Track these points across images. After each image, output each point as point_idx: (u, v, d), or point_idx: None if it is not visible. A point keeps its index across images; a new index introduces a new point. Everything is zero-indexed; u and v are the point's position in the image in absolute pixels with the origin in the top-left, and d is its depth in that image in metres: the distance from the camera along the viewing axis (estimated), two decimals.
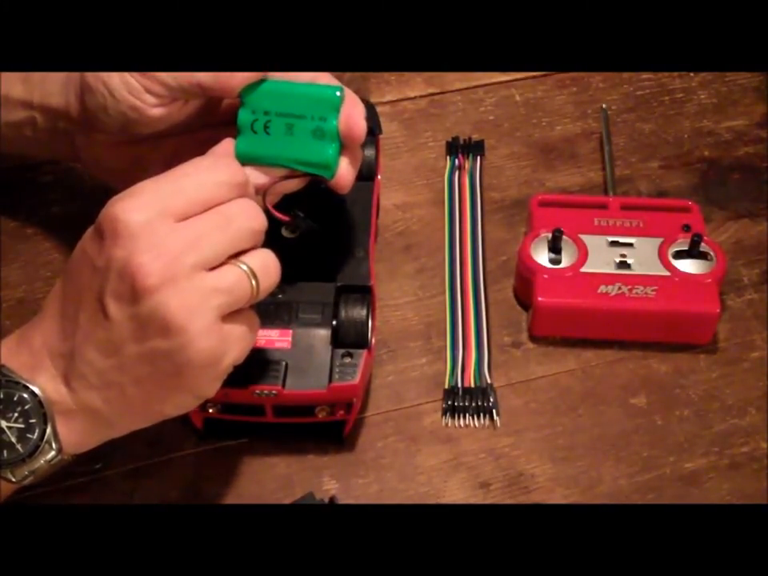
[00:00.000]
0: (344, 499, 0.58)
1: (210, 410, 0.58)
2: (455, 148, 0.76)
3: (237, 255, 0.48)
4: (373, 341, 0.58)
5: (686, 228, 0.67)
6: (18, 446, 0.47)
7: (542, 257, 0.66)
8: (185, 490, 0.59)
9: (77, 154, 0.60)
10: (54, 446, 0.47)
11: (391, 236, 0.71)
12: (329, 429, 0.60)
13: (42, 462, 0.47)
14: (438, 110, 0.79)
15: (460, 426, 0.62)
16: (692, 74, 0.82)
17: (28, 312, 0.66)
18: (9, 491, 0.48)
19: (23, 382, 0.47)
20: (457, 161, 0.75)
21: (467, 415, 0.62)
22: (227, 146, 0.52)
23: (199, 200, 0.47)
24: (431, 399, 0.63)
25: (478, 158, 0.76)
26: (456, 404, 0.62)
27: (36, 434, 0.47)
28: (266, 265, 0.48)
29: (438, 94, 0.80)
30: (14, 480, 0.47)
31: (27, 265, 0.69)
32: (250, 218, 0.48)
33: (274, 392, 0.56)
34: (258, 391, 0.56)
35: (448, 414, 0.62)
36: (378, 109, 0.70)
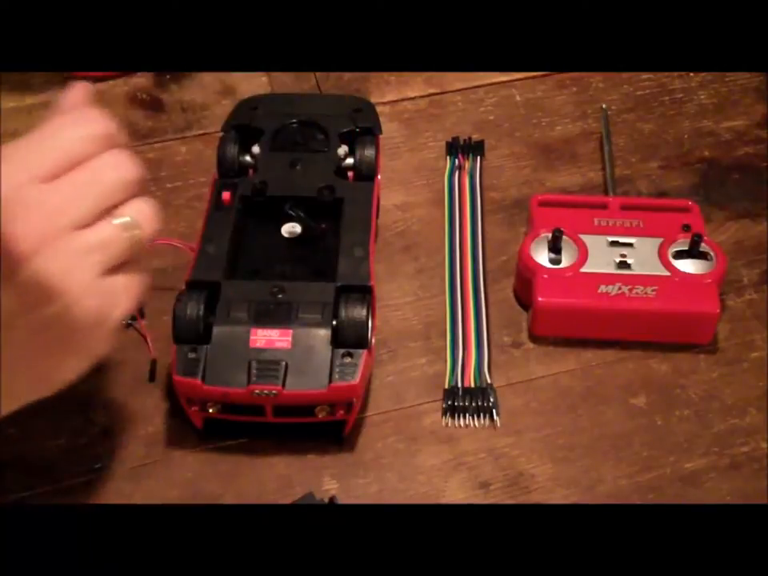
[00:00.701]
0: (344, 499, 0.58)
1: (210, 410, 0.58)
2: (455, 148, 0.76)
3: (114, 208, 0.47)
4: (373, 341, 0.58)
5: (686, 228, 0.67)
6: None
7: (542, 257, 0.66)
8: (185, 490, 0.59)
9: None
10: None
11: (391, 236, 0.71)
12: (329, 429, 0.60)
13: None
14: (438, 110, 0.79)
15: (460, 425, 0.62)
16: (692, 74, 0.82)
17: None
18: None
19: None
20: (457, 161, 0.75)
21: (467, 415, 0.62)
22: (81, 90, 0.50)
23: (66, 159, 0.46)
24: (431, 399, 0.63)
25: (478, 158, 0.76)
26: (456, 404, 0.62)
27: None
28: (142, 213, 0.48)
29: (438, 93, 0.80)
30: None
31: None
32: (120, 169, 0.47)
33: (274, 392, 0.56)
34: (257, 391, 0.56)
35: (448, 414, 0.62)
36: (378, 109, 0.70)
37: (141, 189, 0.48)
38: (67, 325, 0.45)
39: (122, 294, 0.47)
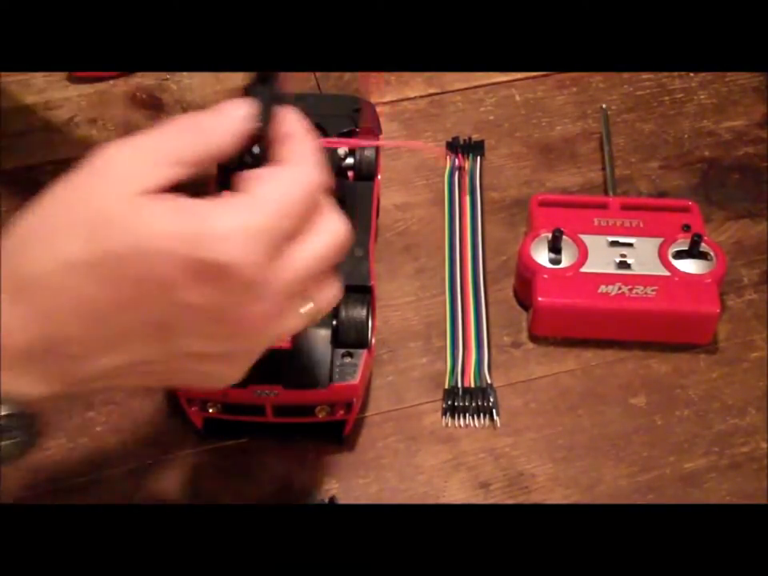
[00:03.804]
0: (344, 499, 0.58)
1: (210, 410, 0.58)
2: (455, 148, 0.76)
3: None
4: (373, 341, 0.58)
5: (686, 228, 0.67)
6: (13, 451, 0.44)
7: (542, 257, 0.66)
8: (185, 489, 0.59)
9: None
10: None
11: (391, 236, 0.71)
12: (329, 429, 0.60)
13: None
14: (438, 110, 0.79)
15: (460, 425, 0.62)
16: (692, 74, 0.82)
17: None
18: None
19: (14, 412, 0.43)
20: (457, 161, 0.75)
21: (467, 415, 0.62)
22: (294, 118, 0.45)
23: (300, 226, 0.43)
24: (431, 399, 0.63)
25: (478, 158, 0.76)
26: (456, 404, 0.62)
27: (23, 430, 0.44)
28: (332, 301, 0.46)
29: (437, 93, 0.81)
30: None
31: None
32: (341, 250, 0.45)
33: (274, 392, 0.56)
34: (258, 391, 0.56)
35: (448, 414, 0.62)
36: (378, 109, 0.70)
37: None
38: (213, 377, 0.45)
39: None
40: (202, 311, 0.41)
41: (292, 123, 0.45)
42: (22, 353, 0.41)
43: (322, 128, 0.67)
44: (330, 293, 0.45)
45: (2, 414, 0.42)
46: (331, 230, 0.44)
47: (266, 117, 0.44)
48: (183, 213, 0.41)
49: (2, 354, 0.41)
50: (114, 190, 0.41)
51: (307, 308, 0.44)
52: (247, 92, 0.45)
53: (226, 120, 0.44)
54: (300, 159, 0.44)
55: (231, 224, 0.41)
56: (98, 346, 0.42)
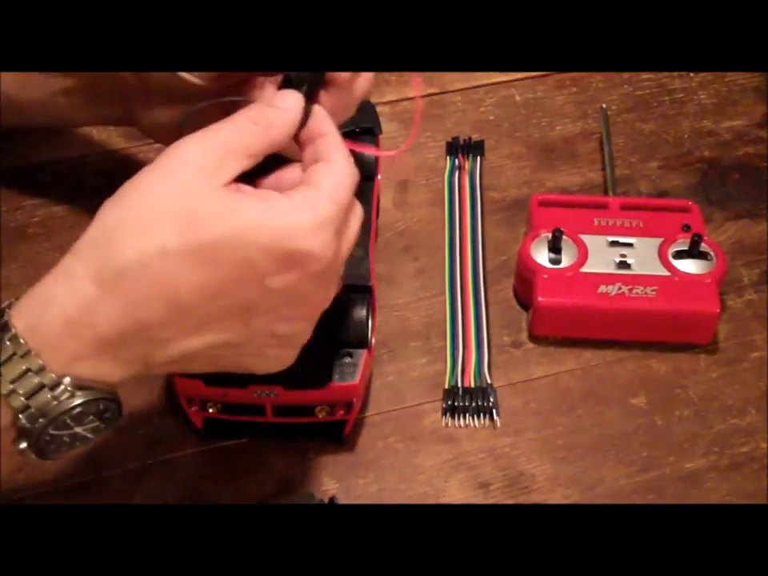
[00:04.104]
0: (344, 499, 0.58)
1: (210, 410, 0.58)
2: (455, 148, 0.76)
3: None
4: (373, 341, 0.58)
5: (686, 228, 0.67)
6: (93, 436, 0.46)
7: (542, 257, 0.66)
8: (185, 490, 0.59)
9: (131, 116, 0.60)
10: (122, 411, 0.47)
11: (391, 236, 0.71)
12: (329, 429, 0.60)
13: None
14: (438, 110, 0.79)
15: (460, 425, 0.62)
16: (692, 74, 0.82)
17: None
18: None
19: (100, 396, 0.45)
20: (457, 161, 0.75)
21: (467, 415, 0.62)
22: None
23: (348, 215, 0.49)
24: (431, 399, 0.63)
25: (478, 158, 0.76)
26: (456, 404, 0.62)
27: (111, 424, 0.47)
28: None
29: (437, 93, 0.80)
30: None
31: (27, 265, 0.69)
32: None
33: (274, 392, 0.56)
34: (258, 391, 0.56)
35: (448, 414, 0.62)
36: (378, 109, 0.70)
37: None
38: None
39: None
40: (283, 295, 0.46)
41: (325, 120, 0.49)
42: (109, 341, 0.44)
43: None
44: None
45: (78, 402, 0.44)
46: (360, 214, 0.50)
47: (305, 113, 0.48)
48: (270, 208, 0.45)
49: (90, 342, 0.44)
50: (199, 183, 0.44)
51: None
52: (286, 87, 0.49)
53: (288, 114, 0.48)
54: (341, 155, 0.48)
55: (311, 218, 0.45)
56: (184, 331, 0.45)
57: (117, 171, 0.74)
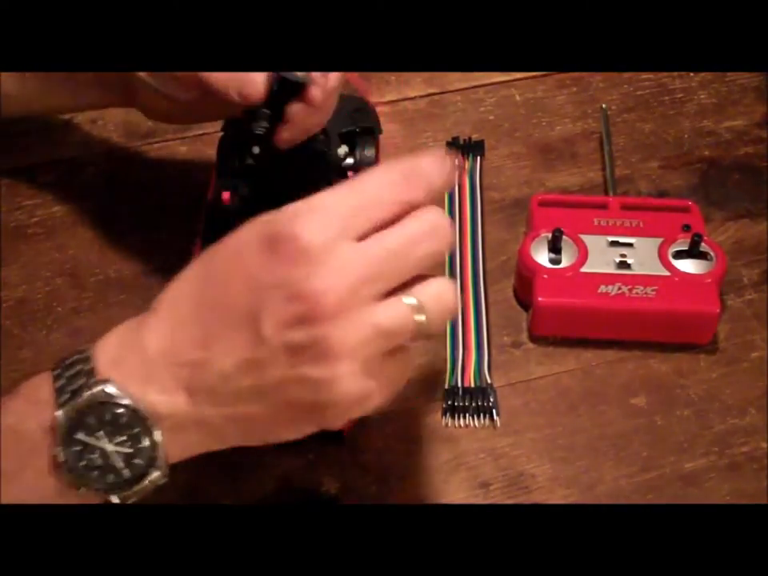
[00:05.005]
0: (344, 499, 0.58)
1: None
2: (455, 148, 0.76)
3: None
4: None
5: (686, 228, 0.67)
6: (125, 471, 0.44)
7: (542, 257, 0.66)
8: (185, 489, 0.59)
9: (131, 99, 0.60)
10: (162, 470, 0.44)
11: None
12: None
13: (146, 484, 0.44)
14: (438, 110, 0.79)
15: (460, 425, 0.62)
16: (692, 74, 0.82)
17: (28, 312, 0.66)
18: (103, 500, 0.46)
19: (133, 405, 0.43)
20: (457, 161, 0.75)
21: (467, 415, 0.62)
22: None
23: (382, 217, 0.43)
24: (431, 399, 0.63)
25: (478, 158, 0.76)
26: (456, 404, 0.62)
27: (144, 460, 0.44)
28: (439, 297, 0.43)
29: (437, 93, 0.80)
30: (116, 501, 0.45)
31: (27, 265, 0.69)
32: (440, 239, 0.43)
33: None
34: None
35: (448, 414, 0.62)
36: (378, 109, 0.70)
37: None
38: (325, 396, 0.42)
39: (387, 383, 0.44)
40: (275, 287, 0.41)
41: None
42: (148, 357, 0.44)
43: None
44: (435, 288, 0.44)
45: (108, 391, 0.43)
46: (428, 219, 0.43)
47: None
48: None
49: (133, 353, 0.44)
50: None
51: (408, 300, 0.43)
52: None
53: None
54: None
55: (301, 204, 0.43)
56: (196, 346, 0.43)
57: (117, 171, 0.74)
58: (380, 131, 0.68)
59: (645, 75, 0.82)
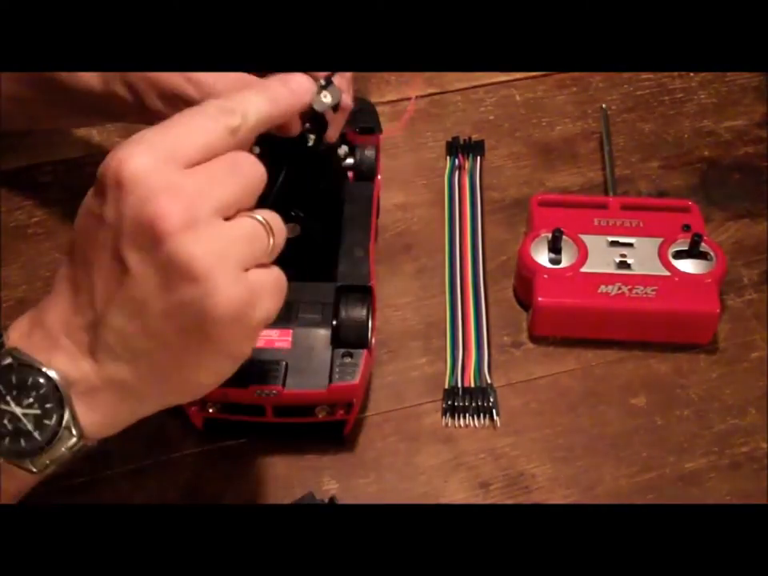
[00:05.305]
0: (344, 499, 0.58)
1: (210, 410, 0.58)
2: (455, 148, 0.76)
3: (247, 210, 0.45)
4: (373, 341, 0.58)
5: (686, 228, 0.67)
6: (36, 434, 0.45)
7: (542, 257, 0.66)
8: (185, 489, 0.59)
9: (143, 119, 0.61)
10: (74, 431, 0.45)
11: (391, 236, 0.71)
12: (329, 429, 0.60)
13: (62, 449, 0.45)
14: (438, 110, 0.79)
15: (460, 425, 0.62)
16: (692, 74, 0.82)
17: None
18: (30, 483, 0.47)
19: (37, 365, 0.44)
20: (457, 161, 0.75)
21: (467, 415, 0.62)
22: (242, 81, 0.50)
23: (205, 147, 0.44)
24: (431, 399, 0.63)
25: (478, 158, 0.76)
26: (456, 404, 0.62)
27: (54, 420, 0.44)
28: (275, 219, 0.46)
29: (437, 93, 0.81)
30: (34, 470, 0.45)
31: (27, 265, 0.69)
32: (255, 164, 0.46)
33: (274, 392, 0.56)
34: (258, 391, 0.56)
35: (448, 414, 0.62)
36: (378, 109, 0.70)
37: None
38: (206, 314, 0.43)
39: (264, 293, 0.45)
40: (118, 220, 0.43)
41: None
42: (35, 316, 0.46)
43: None
44: (272, 215, 0.46)
45: (10, 361, 0.45)
46: (238, 159, 0.45)
47: None
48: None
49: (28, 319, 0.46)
50: None
51: (258, 218, 0.45)
52: None
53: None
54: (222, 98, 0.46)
55: (127, 141, 0.44)
56: (81, 306, 0.45)
57: None
58: (380, 131, 0.68)
59: (645, 75, 0.82)
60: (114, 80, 0.58)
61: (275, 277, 0.46)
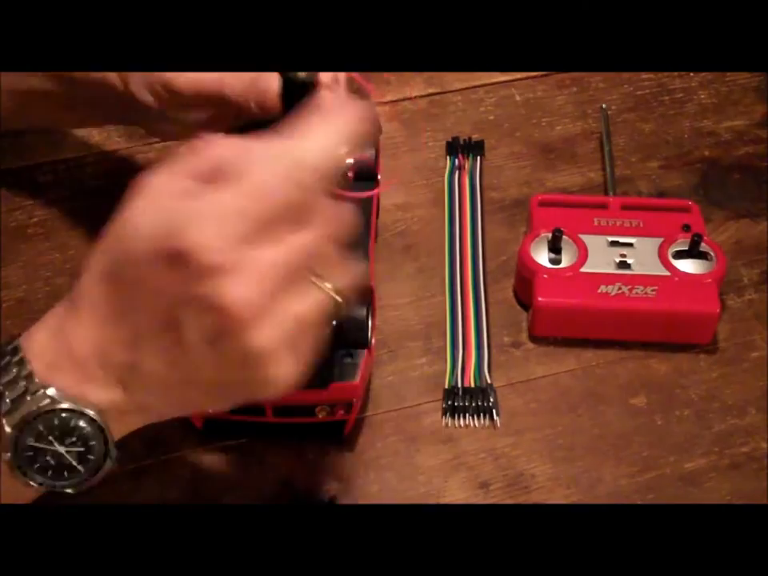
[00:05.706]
0: (344, 499, 0.58)
1: (210, 410, 0.58)
2: (455, 148, 0.76)
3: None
4: (373, 341, 0.58)
5: (686, 228, 0.67)
6: (80, 467, 0.44)
7: (542, 257, 0.66)
8: (185, 490, 0.59)
9: (134, 122, 0.62)
10: (113, 457, 0.45)
11: (391, 236, 0.71)
12: (329, 429, 0.60)
13: (102, 475, 0.45)
14: (438, 110, 0.79)
15: (460, 425, 0.62)
16: (692, 74, 0.82)
17: (28, 312, 0.66)
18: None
19: (79, 409, 0.43)
20: (457, 161, 0.75)
21: (467, 415, 0.62)
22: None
23: (285, 214, 0.42)
24: (431, 399, 0.63)
25: (478, 158, 0.76)
26: (456, 404, 0.62)
27: (96, 455, 0.44)
28: (353, 280, 0.44)
29: (437, 93, 0.80)
30: (72, 493, 0.45)
31: (27, 265, 0.69)
32: (345, 225, 0.44)
33: None
34: None
35: (448, 414, 0.62)
36: (378, 109, 0.70)
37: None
38: (255, 389, 0.42)
39: (305, 357, 0.43)
40: (187, 303, 0.40)
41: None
42: (78, 355, 0.43)
43: None
44: (347, 269, 0.44)
45: (54, 407, 0.43)
46: (326, 212, 0.43)
47: None
48: (161, 203, 0.41)
49: (66, 354, 0.43)
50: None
51: (324, 285, 0.42)
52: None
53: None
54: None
55: (200, 207, 0.40)
56: (125, 344, 0.43)
57: (117, 171, 0.74)
58: (380, 131, 0.68)
59: (645, 75, 0.82)
60: (136, 82, 0.58)
61: (316, 345, 0.44)
